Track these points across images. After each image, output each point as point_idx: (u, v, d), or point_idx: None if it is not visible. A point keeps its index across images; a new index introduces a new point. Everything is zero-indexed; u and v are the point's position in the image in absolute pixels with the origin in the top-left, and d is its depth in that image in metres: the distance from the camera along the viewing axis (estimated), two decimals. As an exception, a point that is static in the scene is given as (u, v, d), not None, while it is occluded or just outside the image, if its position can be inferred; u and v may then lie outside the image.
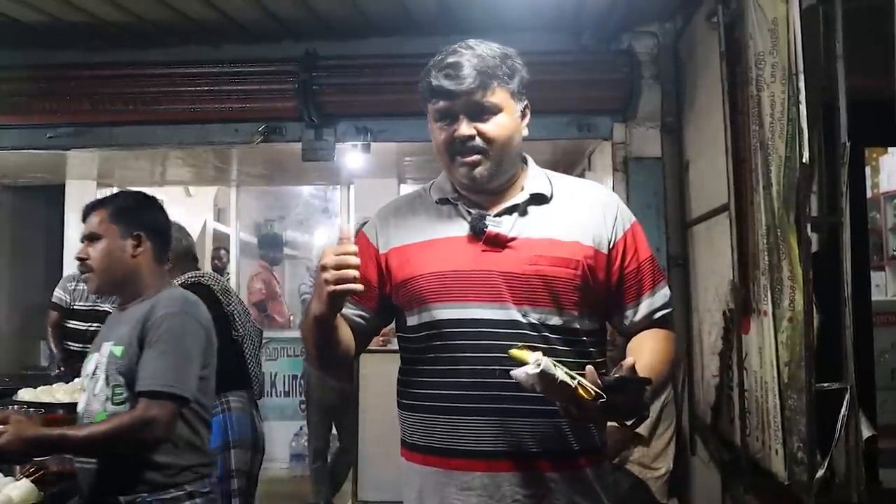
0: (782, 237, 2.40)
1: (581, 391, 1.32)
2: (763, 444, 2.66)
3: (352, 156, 4.54)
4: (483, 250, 1.58)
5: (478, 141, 1.58)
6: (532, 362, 1.34)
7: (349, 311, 1.64)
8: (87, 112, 4.25)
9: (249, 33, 4.23)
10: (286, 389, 6.45)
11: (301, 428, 6.15)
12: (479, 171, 1.59)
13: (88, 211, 2.25)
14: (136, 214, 2.24)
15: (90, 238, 2.20)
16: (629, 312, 1.65)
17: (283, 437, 6.09)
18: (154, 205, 2.31)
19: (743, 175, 2.84)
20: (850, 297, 2.23)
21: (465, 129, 1.57)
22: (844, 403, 2.22)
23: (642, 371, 1.40)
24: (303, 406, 6.38)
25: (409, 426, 1.64)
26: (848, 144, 2.23)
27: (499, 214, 1.61)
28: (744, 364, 2.86)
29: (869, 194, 4.96)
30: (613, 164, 4.16)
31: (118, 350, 2.09)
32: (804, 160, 2.23)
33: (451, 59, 1.58)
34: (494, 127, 1.58)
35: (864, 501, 2.21)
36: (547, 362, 1.32)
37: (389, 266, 1.66)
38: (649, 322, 1.66)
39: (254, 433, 2.91)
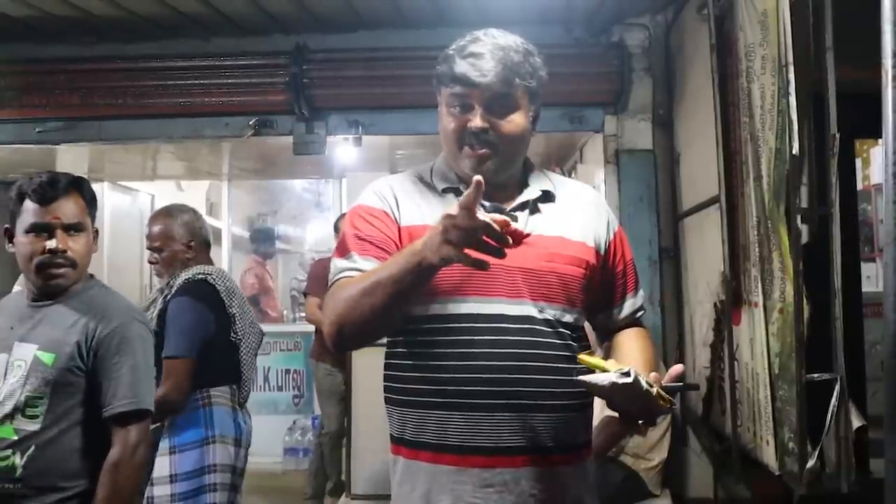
0: (773, 229, 2.41)
1: (660, 400, 1.35)
2: (754, 435, 2.67)
3: (343, 149, 4.53)
4: None
5: (490, 135, 1.53)
6: (613, 370, 1.34)
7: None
8: (76, 106, 4.23)
9: (239, 27, 4.21)
10: (279, 384, 6.40)
11: (294, 422, 6.13)
12: (486, 165, 1.54)
13: (61, 193, 1.89)
14: (96, 205, 1.99)
15: (72, 228, 1.89)
16: (615, 311, 1.70)
17: (277, 431, 6.04)
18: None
19: (733, 167, 2.84)
20: (840, 288, 2.24)
21: (479, 121, 1.52)
22: (834, 394, 2.23)
23: (647, 369, 1.45)
24: (296, 400, 6.38)
25: (412, 424, 1.54)
26: (837, 136, 2.23)
27: (513, 210, 1.58)
28: (735, 355, 2.87)
29: (860, 186, 4.99)
30: (605, 157, 4.16)
31: (48, 357, 1.84)
32: (794, 152, 2.23)
33: (475, 48, 1.54)
34: (508, 124, 1.55)
35: (855, 491, 2.22)
36: (635, 371, 1.32)
37: (402, 246, 1.53)
38: (630, 321, 1.71)
39: (237, 428, 2.82)
